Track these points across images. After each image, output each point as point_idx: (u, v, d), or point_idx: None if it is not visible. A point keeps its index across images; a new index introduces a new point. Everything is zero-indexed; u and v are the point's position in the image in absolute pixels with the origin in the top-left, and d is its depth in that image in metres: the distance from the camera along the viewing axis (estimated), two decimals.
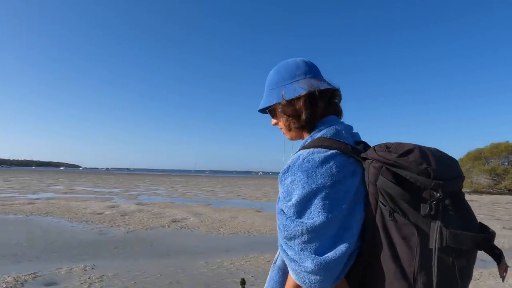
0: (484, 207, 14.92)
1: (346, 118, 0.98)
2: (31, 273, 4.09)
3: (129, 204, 12.53)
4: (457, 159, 0.81)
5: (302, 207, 0.77)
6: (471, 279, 0.74)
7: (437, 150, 0.78)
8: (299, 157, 0.82)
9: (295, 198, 0.78)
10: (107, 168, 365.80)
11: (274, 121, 1.01)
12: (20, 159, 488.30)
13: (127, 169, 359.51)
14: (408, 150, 0.75)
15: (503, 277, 0.70)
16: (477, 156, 28.89)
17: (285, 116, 0.94)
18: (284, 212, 0.80)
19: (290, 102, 0.91)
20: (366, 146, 0.90)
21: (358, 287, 0.77)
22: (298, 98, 0.90)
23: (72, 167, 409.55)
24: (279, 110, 0.95)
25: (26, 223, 7.97)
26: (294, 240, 0.76)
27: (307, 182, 0.77)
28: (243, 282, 1.17)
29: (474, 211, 0.78)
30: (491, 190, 26.96)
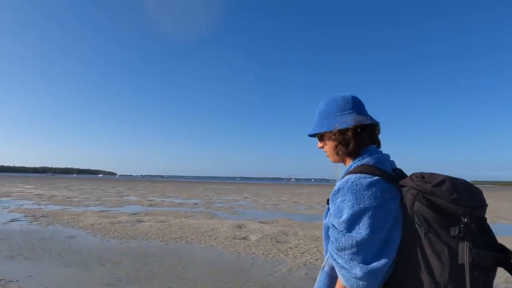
0: None
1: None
2: None
3: (252, 223, 10.20)
4: None
5: (351, 223, 0.92)
6: None
7: (465, 181, 0.94)
8: (348, 180, 0.97)
9: (345, 215, 0.94)
10: (142, 176, 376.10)
11: (320, 144, 1.20)
12: (61, 167, 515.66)
13: (161, 176, 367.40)
14: (440, 181, 0.90)
15: None
16: None
17: (334, 142, 1.12)
18: (335, 227, 0.97)
19: (341, 132, 1.09)
20: (401, 172, 1.07)
21: None
22: (347, 129, 1.07)
23: (108, 175, 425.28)
24: (329, 137, 1.13)
25: (177, 256, 5.76)
26: (344, 251, 0.93)
27: (356, 202, 0.93)
28: None
29: None
30: None
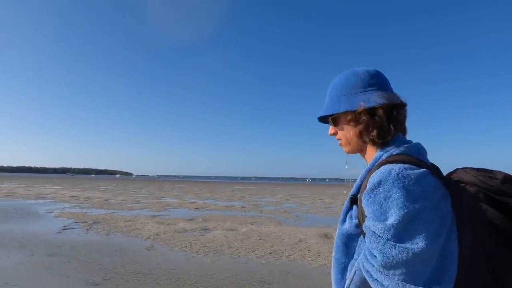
0: None
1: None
2: None
3: (335, 231, 8.80)
4: None
5: (402, 230, 0.65)
6: None
7: None
8: (390, 171, 0.69)
9: (394, 217, 0.66)
10: (158, 176, 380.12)
11: (333, 130, 0.91)
12: (79, 167, 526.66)
13: (176, 176, 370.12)
14: (507, 177, 0.69)
15: None
16: None
17: (358, 126, 0.83)
18: (376, 234, 0.68)
19: (369, 112, 0.80)
20: (436, 167, 0.79)
21: None
22: (377, 108, 0.79)
23: (125, 175, 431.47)
24: (349, 120, 0.84)
25: (302, 284, 4.40)
26: (395, 269, 0.65)
27: (408, 200, 0.65)
28: None
29: None
30: None
